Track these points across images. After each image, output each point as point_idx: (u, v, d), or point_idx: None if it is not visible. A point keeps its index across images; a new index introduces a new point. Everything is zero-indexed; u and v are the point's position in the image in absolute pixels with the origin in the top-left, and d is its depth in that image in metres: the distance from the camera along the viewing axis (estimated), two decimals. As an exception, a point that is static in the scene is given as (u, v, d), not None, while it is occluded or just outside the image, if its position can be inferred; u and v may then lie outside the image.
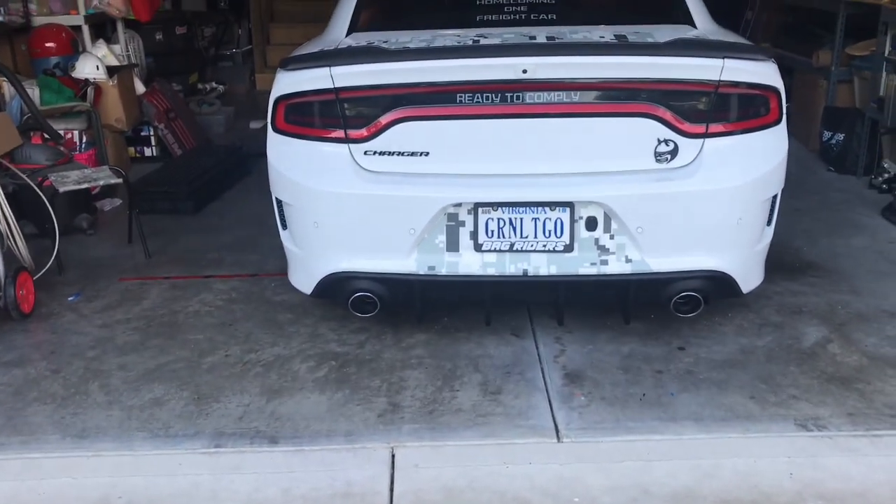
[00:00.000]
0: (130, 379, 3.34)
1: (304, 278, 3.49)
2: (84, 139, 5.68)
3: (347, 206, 3.24)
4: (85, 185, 4.60)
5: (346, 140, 3.25)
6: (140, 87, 6.65)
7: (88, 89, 5.82)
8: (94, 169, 4.78)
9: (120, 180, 4.72)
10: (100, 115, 5.87)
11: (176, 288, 4.23)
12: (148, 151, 6.75)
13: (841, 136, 5.92)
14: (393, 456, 2.80)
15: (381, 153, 3.22)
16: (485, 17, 3.79)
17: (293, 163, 3.34)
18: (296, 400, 3.15)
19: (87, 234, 5.04)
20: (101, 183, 4.68)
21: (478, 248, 3.21)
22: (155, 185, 5.51)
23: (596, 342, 3.52)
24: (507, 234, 3.21)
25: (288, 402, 3.13)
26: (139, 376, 3.36)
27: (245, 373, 3.36)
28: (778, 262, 4.16)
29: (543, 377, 3.26)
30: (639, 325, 3.62)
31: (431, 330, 3.65)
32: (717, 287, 3.30)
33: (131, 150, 6.71)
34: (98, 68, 6.02)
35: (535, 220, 3.20)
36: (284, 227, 3.53)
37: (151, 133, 6.69)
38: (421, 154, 3.21)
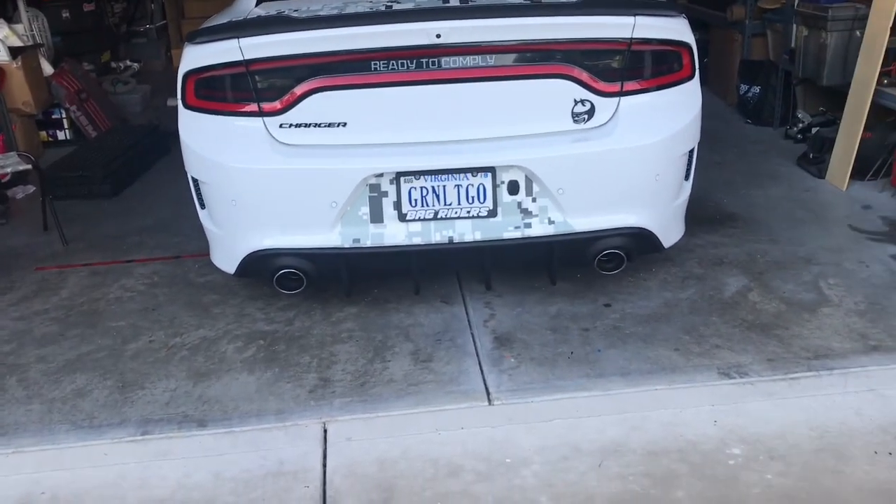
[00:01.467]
0: (50, 371, 3.24)
1: (227, 258, 3.42)
2: (-11, 125, 5.44)
3: (265, 182, 3.17)
4: (-8, 173, 4.40)
5: (260, 113, 3.17)
6: (48, 69, 6.38)
7: (-10, 72, 5.55)
8: (1, 156, 4.58)
9: (29, 166, 4.54)
10: (5, 98, 5.61)
11: (96, 275, 4.11)
12: (61, 135, 6.51)
13: (757, 89, 6.05)
14: (325, 431, 2.78)
15: (297, 125, 3.16)
16: (398, -18, 3.73)
17: (206, 140, 3.25)
18: (224, 382, 3.10)
19: (0, 224, 4.84)
20: (9, 170, 4.50)
21: (402, 217, 3.19)
22: (69, 170, 5.31)
23: (524, 304, 3.55)
24: (430, 203, 3.19)
25: (216, 385, 3.08)
26: (60, 368, 3.26)
27: (170, 357, 3.29)
28: (699, 215, 4.26)
29: (474, 342, 3.27)
30: (566, 285, 3.66)
31: (361, 303, 3.63)
32: (638, 243, 3.35)
33: (43, 134, 6.46)
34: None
35: (458, 186, 3.19)
36: (203, 206, 3.45)
37: (63, 116, 6.44)
38: (338, 125, 3.16)
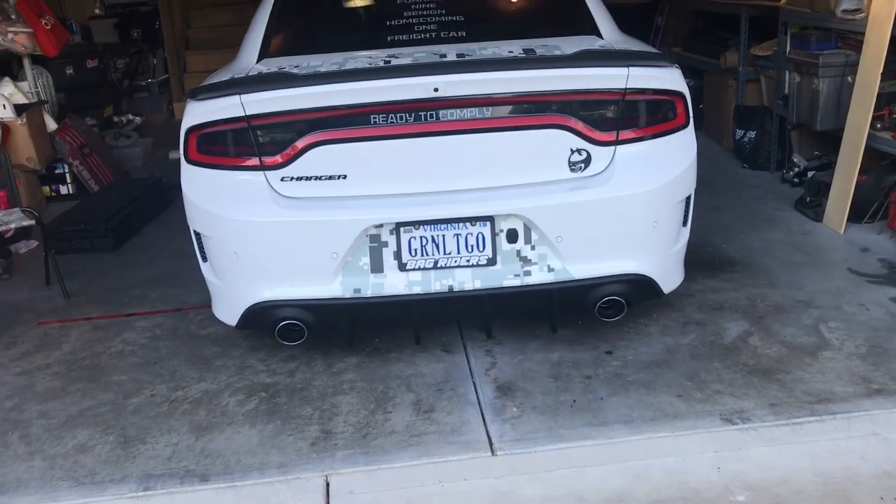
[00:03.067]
0: (53, 427, 3.23)
1: (228, 310, 3.44)
2: (-6, 181, 5.50)
3: (267, 234, 3.20)
4: (-4, 229, 4.44)
5: (262, 167, 3.22)
6: (51, 124, 6.47)
7: (-5, 129, 5.63)
8: (5, 212, 4.63)
9: (33, 222, 4.58)
10: (9, 155, 5.69)
11: (97, 329, 4.12)
12: (64, 189, 6.57)
13: (752, 134, 6.13)
14: (328, 484, 2.76)
15: (299, 178, 3.20)
16: (395, 38, 3.81)
17: (209, 194, 3.29)
18: (226, 435, 3.09)
19: (3, 279, 4.86)
20: (14, 226, 4.53)
21: (402, 267, 3.21)
22: (71, 224, 5.34)
23: (526, 352, 3.55)
24: (430, 252, 3.22)
25: (218, 438, 3.07)
26: (62, 423, 3.25)
27: (172, 411, 3.28)
28: (698, 260, 4.28)
29: (476, 391, 3.27)
30: (567, 332, 3.67)
31: (362, 352, 3.63)
32: (638, 290, 3.37)
33: (46, 189, 6.52)
34: (5, 107, 5.83)
35: (457, 235, 3.22)
36: (205, 259, 3.47)
37: (66, 170, 6.50)
38: (338, 177, 3.20)
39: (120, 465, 2.94)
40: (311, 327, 3.31)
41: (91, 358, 3.81)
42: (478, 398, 3.22)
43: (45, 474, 2.92)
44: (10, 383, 3.61)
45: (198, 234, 3.41)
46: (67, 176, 6.52)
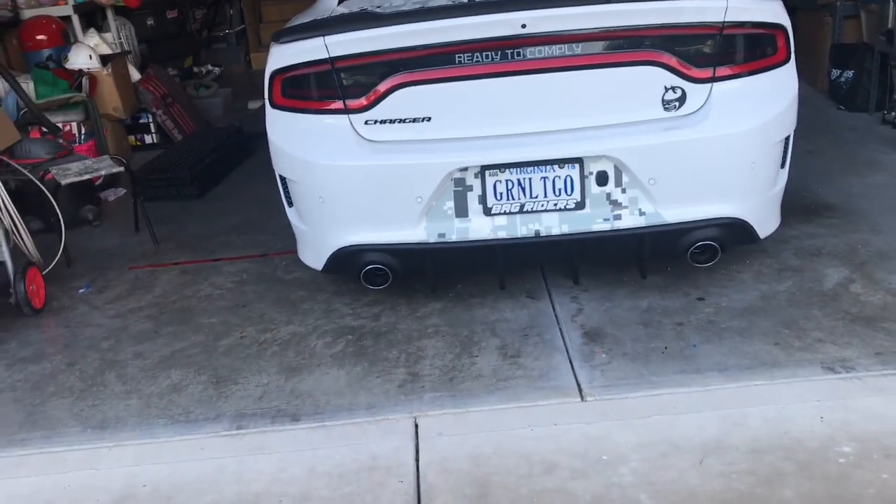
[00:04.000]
0: (147, 367, 3.32)
1: (314, 255, 3.45)
2: (83, 130, 5.64)
3: (352, 179, 3.18)
4: (87, 176, 4.55)
5: (346, 111, 3.18)
6: (135, 74, 6.58)
7: (83, 80, 5.76)
8: (94, 159, 4.73)
9: (122, 168, 4.68)
10: (97, 104, 5.81)
11: (186, 273, 4.20)
12: (148, 139, 6.71)
13: (850, 73, 5.80)
14: (416, 426, 2.76)
15: (383, 122, 3.16)
16: (479, -26, 3.69)
17: (294, 138, 3.28)
18: (315, 376, 3.12)
19: (94, 226, 5.01)
20: (103, 173, 4.64)
21: (487, 212, 3.16)
22: (157, 172, 5.45)
23: (613, 298, 3.47)
24: (516, 196, 3.15)
25: (307, 379, 3.10)
26: (155, 364, 3.34)
27: (262, 353, 3.33)
28: (793, 205, 4.08)
29: (562, 337, 3.21)
30: (656, 279, 3.56)
31: (446, 298, 3.61)
32: (733, 234, 3.24)
33: (131, 138, 6.67)
34: (91, 58, 5.95)
35: (545, 179, 3.13)
36: (290, 204, 3.48)
37: (150, 120, 6.63)
38: (423, 120, 3.14)
39: (213, 404, 3.01)
40: (395, 272, 3.29)
41: (181, 301, 3.89)
42: (565, 344, 3.16)
43: (142, 412, 3.00)
44: (105, 325, 3.72)
45: (283, 179, 3.42)
46: (151, 125, 6.65)
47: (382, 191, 3.17)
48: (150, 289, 4.06)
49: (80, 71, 5.81)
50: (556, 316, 3.38)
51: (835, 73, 5.94)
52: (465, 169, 3.12)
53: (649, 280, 3.54)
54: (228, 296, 3.89)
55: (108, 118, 6.09)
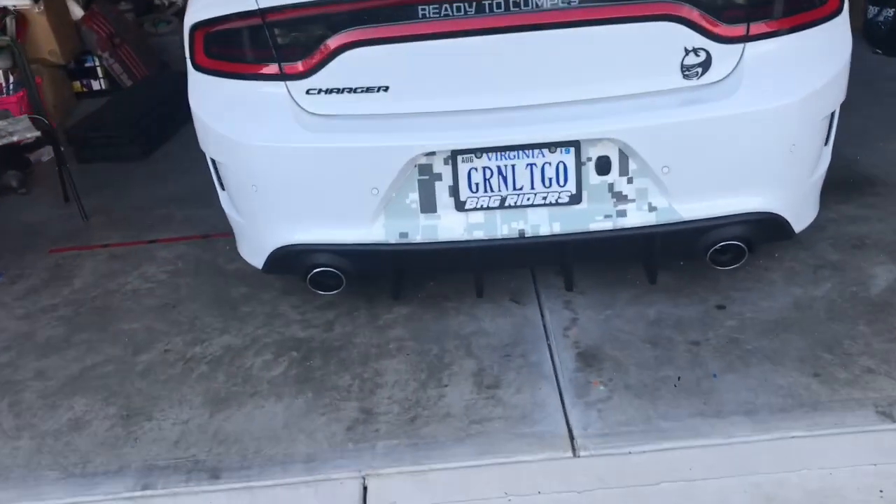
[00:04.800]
0: (48, 391, 2.74)
1: (253, 251, 2.85)
2: (10, 79, 4.93)
3: (290, 164, 2.55)
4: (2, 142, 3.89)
5: (282, 76, 2.52)
6: (77, 11, 5.81)
7: (8, 20, 5.01)
8: (10, 120, 4.06)
9: (38, 133, 4.00)
10: (26, 48, 5.08)
11: (114, 259, 3.59)
12: (96, 84, 5.97)
13: (890, 12, 5.07)
14: (364, 489, 2.20)
15: (328, 91, 2.50)
16: None
17: (219, 110, 2.64)
18: (246, 411, 2.54)
19: (19, 194, 4.37)
20: (16, 138, 3.97)
21: (460, 206, 2.53)
22: (95, 129, 4.77)
23: (615, 305, 2.87)
24: (496, 187, 2.52)
25: (236, 416, 2.53)
26: (59, 387, 2.76)
27: (186, 375, 2.75)
28: (828, 177, 3.44)
29: (552, 359, 2.63)
30: (666, 278, 2.95)
31: (414, 300, 3.00)
32: (764, 231, 2.64)
33: (77, 84, 5.94)
34: (19, -8, 5.19)
35: (531, 166, 2.50)
36: (223, 187, 2.86)
37: (97, 64, 5.89)
38: (378, 89, 2.49)
39: (118, 449, 2.44)
40: (348, 275, 2.69)
41: (103, 297, 3.29)
42: (555, 370, 2.57)
43: (32, 459, 2.43)
44: (9, 330, 3.13)
45: (212, 160, 2.79)
46: (99, 70, 5.92)
47: (329, 180, 2.54)
48: (69, 280, 3.45)
49: (5, 9, 5.06)
50: (545, 327, 2.79)
51: (872, 10, 5.21)
52: (433, 153, 2.48)
53: (659, 279, 2.92)
54: (158, 291, 3.29)
55: (43, 63, 5.37)
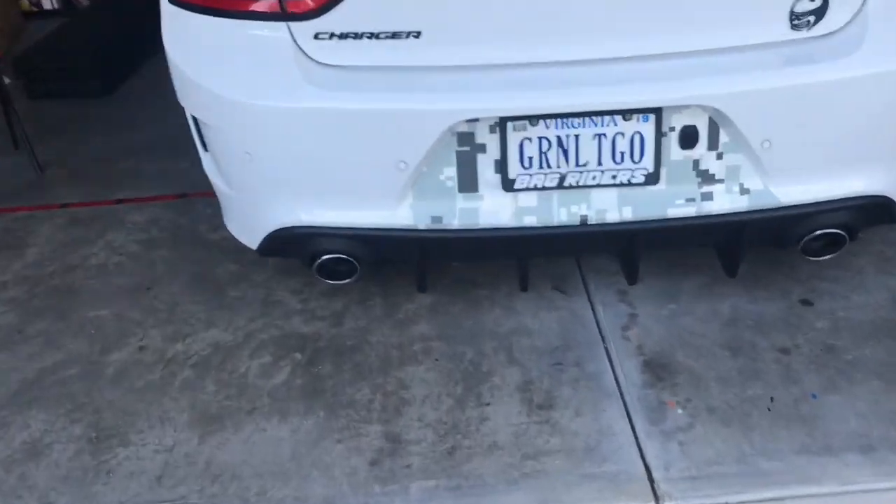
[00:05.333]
0: (-1, 401, 2.25)
1: (244, 230, 2.35)
2: (-53, -2, 4.25)
3: (294, 129, 2.02)
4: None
5: (283, 15, 1.98)
6: (23, -85, 5.07)
7: (-60, -73, 4.29)
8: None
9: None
10: (-36, -39, 4.38)
11: (75, 223, 3.05)
12: (47, 3, 5.28)
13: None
14: (398, 550, 1.77)
15: (343, 36, 1.96)
16: None
17: (202, 57, 2.09)
18: (244, 436, 2.08)
19: (-38, 137, 3.77)
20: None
21: (508, 185, 2.04)
22: (48, 59, 4.13)
23: (679, 297, 2.41)
24: (554, 163, 2.02)
25: (232, 441, 2.06)
26: (11, 395, 2.26)
27: (168, 381, 2.27)
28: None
29: (612, 370, 2.18)
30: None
31: (439, 286, 2.53)
32: (869, 216, 2.19)
33: (25, 2, 5.23)
34: None
35: (600, 136, 2.00)
36: (206, 148, 2.32)
37: (48, -22, 5.19)
38: (408, 34, 1.95)
39: (86, 488, 1.96)
40: (364, 263, 2.20)
41: (63, 274, 2.77)
42: (618, 384, 2.13)
43: (-23, 502, 1.97)
44: (-50, 316, 2.61)
45: (193, 118, 2.24)
46: (51, -14, 5.22)
47: (344, 150, 2.02)
48: (20, 249, 2.92)
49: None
50: (598, 326, 2.34)
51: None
52: (476, 120, 1.97)
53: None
54: (129, 266, 2.78)
55: (-15, -23, 4.68)
